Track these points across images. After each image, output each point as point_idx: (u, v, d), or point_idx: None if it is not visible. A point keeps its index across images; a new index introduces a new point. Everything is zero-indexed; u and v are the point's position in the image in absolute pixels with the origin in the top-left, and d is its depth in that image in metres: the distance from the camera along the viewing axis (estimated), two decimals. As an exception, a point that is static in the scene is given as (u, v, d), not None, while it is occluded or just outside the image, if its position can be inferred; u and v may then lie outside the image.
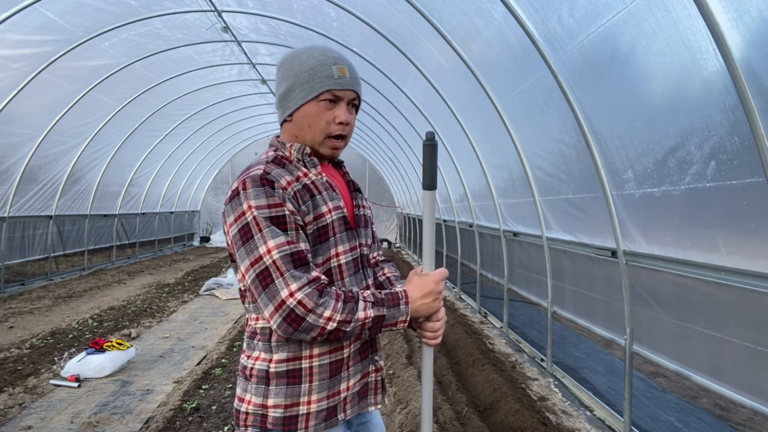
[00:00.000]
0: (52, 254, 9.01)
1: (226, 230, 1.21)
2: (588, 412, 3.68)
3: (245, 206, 1.15)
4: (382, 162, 14.99)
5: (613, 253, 3.39)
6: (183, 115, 11.15)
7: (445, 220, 9.04)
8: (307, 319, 1.10)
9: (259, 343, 1.25)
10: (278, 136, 1.36)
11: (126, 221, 11.99)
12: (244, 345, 1.31)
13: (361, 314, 1.14)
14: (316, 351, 1.22)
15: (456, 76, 5.28)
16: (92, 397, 3.89)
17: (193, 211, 17.13)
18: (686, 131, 2.50)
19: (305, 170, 1.28)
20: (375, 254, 1.53)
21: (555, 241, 4.42)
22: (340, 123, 1.27)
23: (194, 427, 3.38)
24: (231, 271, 9.33)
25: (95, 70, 7.53)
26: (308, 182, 1.26)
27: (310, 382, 1.22)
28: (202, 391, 4.00)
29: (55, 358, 4.67)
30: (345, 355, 1.26)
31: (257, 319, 1.26)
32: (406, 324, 1.22)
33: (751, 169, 2.14)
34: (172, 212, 14.96)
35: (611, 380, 3.74)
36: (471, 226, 7.18)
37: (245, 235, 1.15)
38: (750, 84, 2.02)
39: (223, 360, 4.76)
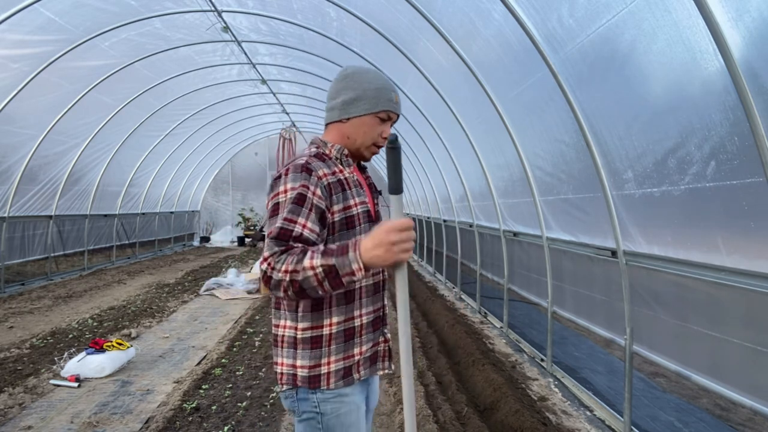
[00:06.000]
0: (52, 254, 9.01)
1: (266, 204, 1.46)
2: (588, 412, 3.68)
3: (282, 188, 1.40)
4: (382, 162, 14.99)
5: (613, 253, 3.39)
6: (183, 115, 11.15)
7: (445, 220, 9.04)
8: (273, 276, 1.28)
9: (286, 312, 1.50)
10: (320, 137, 1.61)
11: (126, 221, 11.99)
12: (272, 316, 1.55)
13: (306, 263, 1.26)
14: (334, 320, 1.47)
15: (456, 76, 5.28)
16: (92, 397, 3.89)
17: (193, 211, 17.12)
18: (686, 131, 2.49)
19: (341, 167, 1.54)
20: None
21: (555, 241, 4.42)
22: (385, 138, 1.55)
23: (194, 427, 3.38)
24: (231, 271, 9.33)
25: (95, 70, 7.53)
26: (342, 178, 1.51)
27: (329, 346, 1.46)
28: (202, 391, 4.00)
29: (55, 358, 4.67)
30: (357, 324, 1.51)
31: None
32: (362, 271, 1.26)
33: (751, 169, 2.14)
34: (172, 212, 14.96)
35: (611, 380, 3.74)
36: (471, 226, 7.18)
37: (274, 211, 1.39)
38: (750, 84, 2.02)
39: (223, 360, 4.76)
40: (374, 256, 1.25)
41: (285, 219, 1.36)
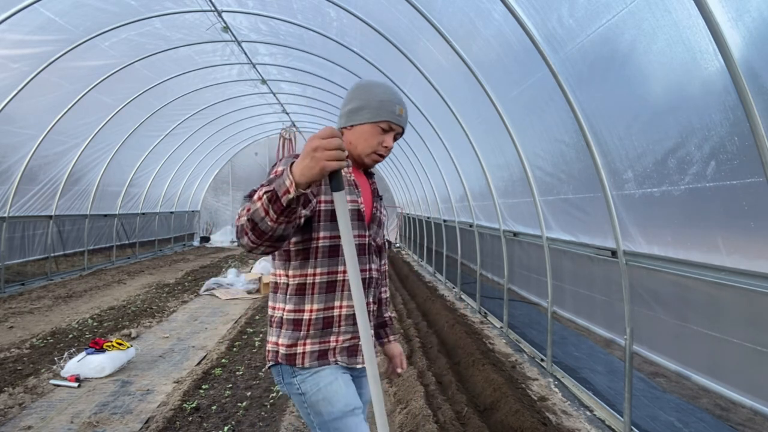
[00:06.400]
0: (52, 254, 9.01)
1: None
2: (588, 412, 3.68)
3: (273, 171, 1.51)
4: (382, 162, 14.98)
5: (613, 253, 3.39)
6: (183, 115, 11.15)
7: (445, 220, 9.04)
8: (238, 224, 1.33)
9: (279, 294, 1.64)
10: None
11: (126, 221, 11.98)
12: (269, 300, 1.70)
13: (255, 197, 1.31)
14: (315, 307, 1.59)
15: (456, 76, 5.28)
16: (92, 397, 3.89)
17: (193, 211, 17.12)
18: (686, 131, 2.49)
19: None
20: (383, 263, 1.85)
21: (555, 241, 4.42)
22: (386, 147, 1.66)
23: (194, 427, 3.38)
24: (231, 271, 9.33)
25: (95, 70, 7.53)
26: None
27: (307, 330, 1.59)
28: (202, 391, 4.00)
29: (55, 358, 4.67)
30: (336, 315, 1.61)
31: (280, 275, 1.63)
32: (294, 186, 1.23)
33: (751, 169, 2.14)
34: (172, 212, 14.95)
35: (611, 380, 3.73)
36: (471, 226, 7.18)
37: None
38: (750, 84, 2.02)
39: (223, 360, 4.76)
40: (303, 167, 1.21)
41: (261, 185, 1.42)
